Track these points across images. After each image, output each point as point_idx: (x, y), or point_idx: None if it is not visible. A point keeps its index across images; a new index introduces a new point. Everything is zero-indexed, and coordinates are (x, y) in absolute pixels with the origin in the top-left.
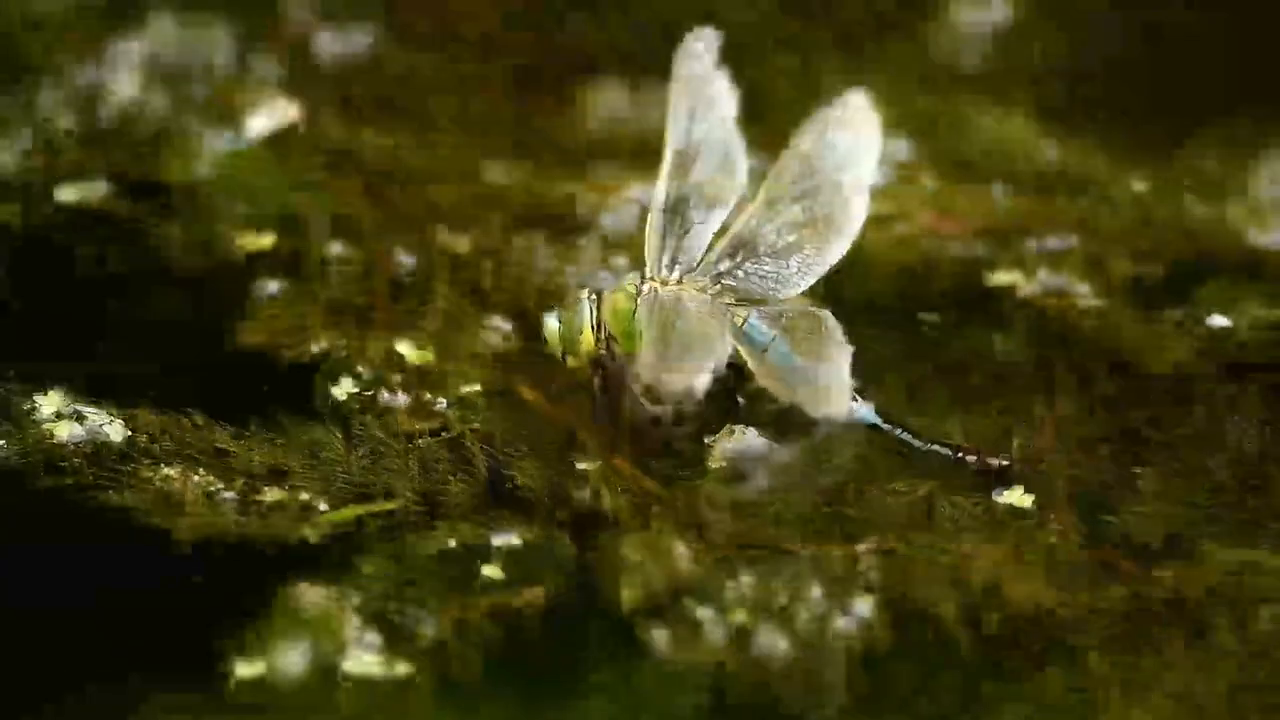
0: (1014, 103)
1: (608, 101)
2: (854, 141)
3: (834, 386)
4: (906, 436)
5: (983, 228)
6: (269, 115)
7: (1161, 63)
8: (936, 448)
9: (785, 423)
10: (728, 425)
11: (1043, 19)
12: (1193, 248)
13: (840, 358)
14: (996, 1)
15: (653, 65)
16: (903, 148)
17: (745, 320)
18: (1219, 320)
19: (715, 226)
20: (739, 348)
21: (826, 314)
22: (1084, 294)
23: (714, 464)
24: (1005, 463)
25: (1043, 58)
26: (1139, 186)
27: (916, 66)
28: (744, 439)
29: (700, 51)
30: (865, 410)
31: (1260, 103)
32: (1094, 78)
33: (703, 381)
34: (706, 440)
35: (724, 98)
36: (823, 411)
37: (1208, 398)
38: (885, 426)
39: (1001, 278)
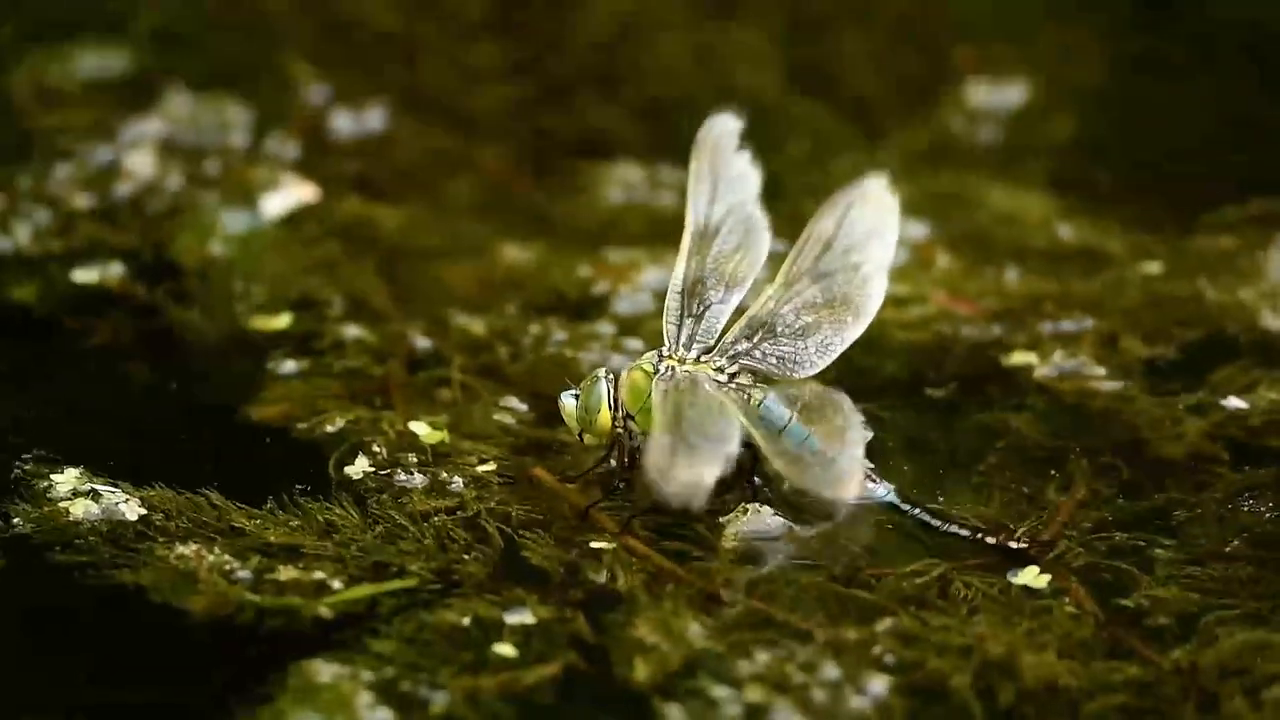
0: (1028, 183)
1: (622, 182)
2: (872, 225)
3: (848, 470)
4: (924, 517)
5: (997, 309)
6: (285, 195)
7: (1176, 144)
8: (954, 529)
9: (801, 502)
10: (742, 504)
11: (1057, 100)
12: (1207, 330)
13: (856, 441)
14: (1012, 81)
15: (668, 146)
16: (917, 228)
17: (761, 401)
18: (1234, 403)
19: (733, 307)
20: (754, 430)
21: (843, 397)
22: (1099, 376)
23: (729, 543)
24: (1022, 544)
25: (1057, 138)
26: (1153, 268)
27: (931, 146)
28: (760, 518)
29: (722, 133)
30: (885, 491)
31: (1272, 186)
32: (1108, 159)
33: (710, 476)
34: (721, 520)
35: (746, 180)
36: (835, 495)
37: (1222, 480)
38: (904, 507)
39: (1016, 359)
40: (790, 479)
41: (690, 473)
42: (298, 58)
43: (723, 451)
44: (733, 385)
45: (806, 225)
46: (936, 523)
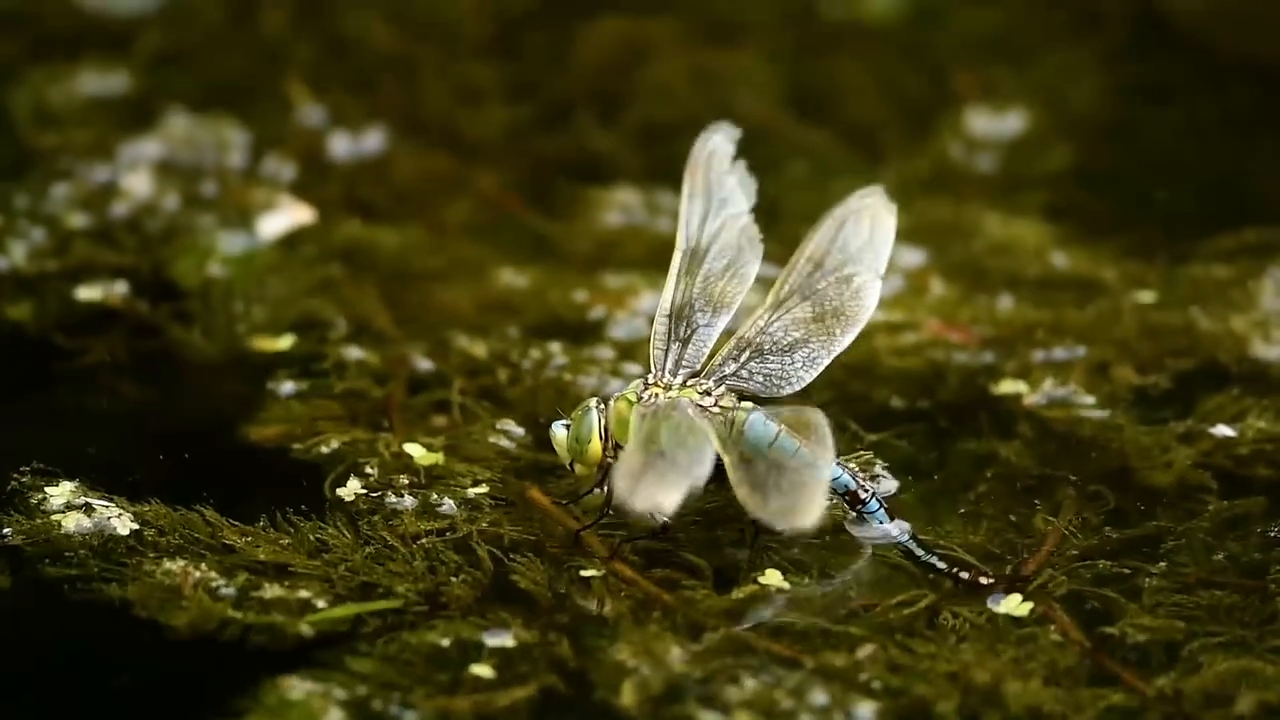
0: (1024, 212)
1: (620, 206)
2: (868, 236)
3: (809, 492)
4: (912, 546)
5: (989, 337)
6: (282, 216)
7: (1172, 173)
8: (934, 560)
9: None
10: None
11: (1056, 128)
12: (1199, 359)
13: (822, 460)
14: (1011, 109)
15: (666, 170)
16: (913, 255)
17: (746, 419)
18: (1223, 431)
19: (720, 329)
20: (729, 454)
21: (817, 413)
22: (1088, 404)
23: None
24: (991, 580)
25: (1055, 167)
26: (1146, 297)
27: (930, 173)
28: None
29: (715, 149)
30: (898, 532)
31: (1267, 215)
32: (1105, 187)
33: (671, 503)
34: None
35: (738, 195)
36: (793, 522)
37: (1209, 508)
38: (920, 554)
39: (1006, 387)
40: (748, 509)
41: (652, 497)
42: (296, 80)
43: (689, 477)
44: (716, 409)
45: (802, 241)
46: (921, 552)
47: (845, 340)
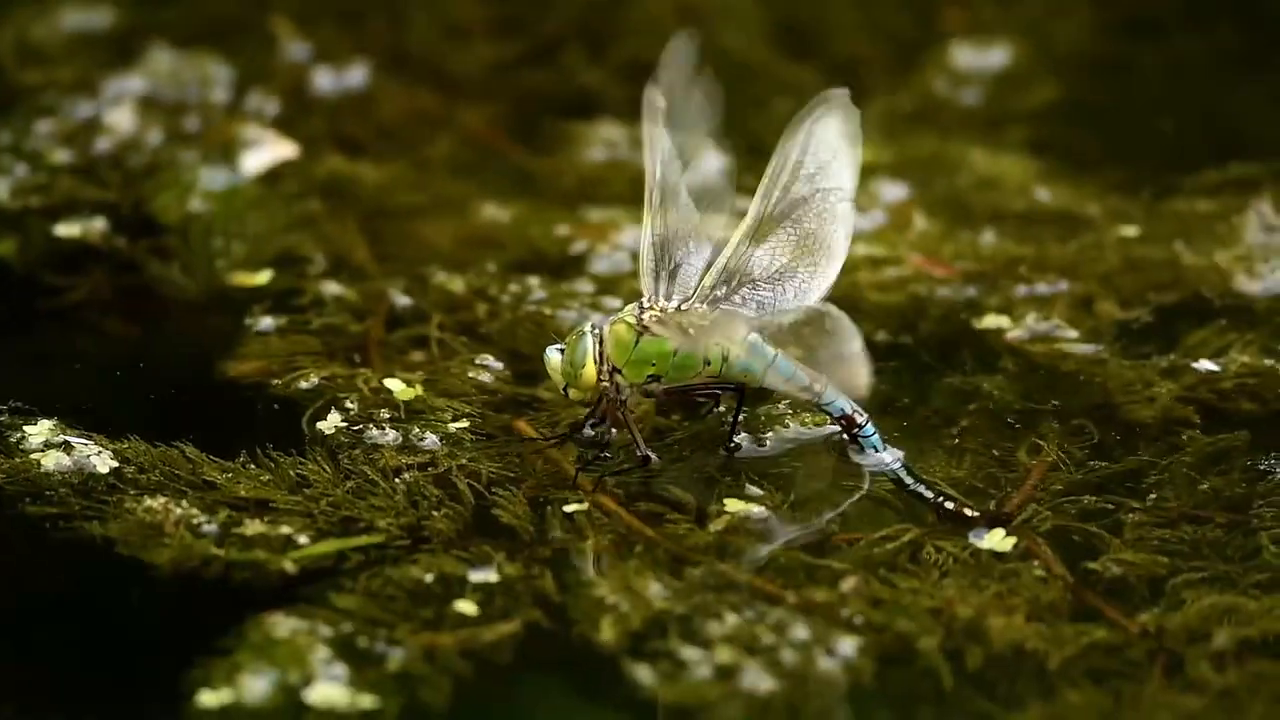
0: (1009, 146)
1: (604, 141)
2: (836, 144)
3: (856, 368)
4: (903, 474)
5: (972, 271)
6: (265, 152)
7: (1156, 110)
8: (922, 489)
9: (789, 490)
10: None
11: (1041, 62)
12: (1182, 293)
13: (851, 344)
14: (997, 43)
15: None
16: (896, 189)
17: (744, 341)
18: (1206, 366)
19: (705, 257)
20: (747, 367)
21: (828, 308)
22: (1071, 338)
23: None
24: (976, 514)
25: (1040, 101)
26: (1130, 232)
27: (914, 108)
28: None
29: (667, 81)
30: (891, 458)
31: (1252, 150)
32: (1090, 122)
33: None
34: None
35: (698, 123)
36: (854, 387)
37: (1193, 443)
38: (910, 482)
39: (989, 321)
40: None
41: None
42: (280, 15)
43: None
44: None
45: (773, 154)
46: (910, 480)
47: (831, 269)
